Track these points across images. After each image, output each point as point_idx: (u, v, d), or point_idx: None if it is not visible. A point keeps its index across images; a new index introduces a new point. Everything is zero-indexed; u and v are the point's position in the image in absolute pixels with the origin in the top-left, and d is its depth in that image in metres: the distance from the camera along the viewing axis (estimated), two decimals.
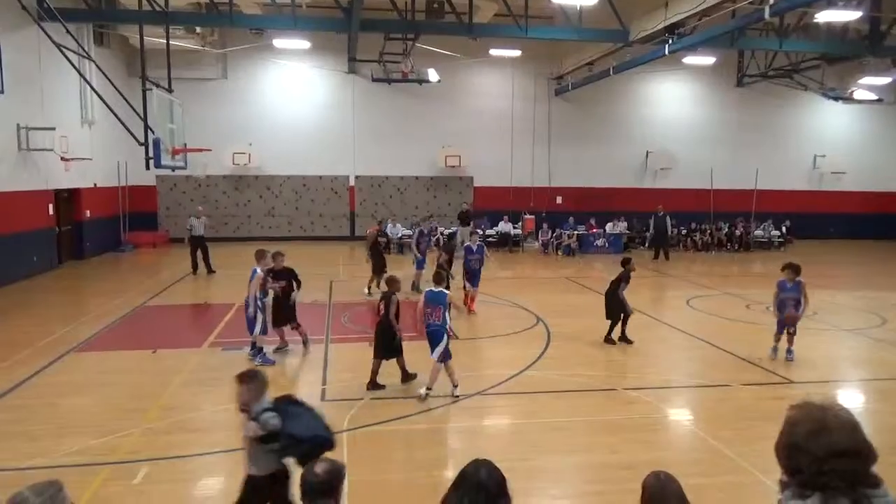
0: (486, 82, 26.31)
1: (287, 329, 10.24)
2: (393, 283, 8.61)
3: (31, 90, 17.05)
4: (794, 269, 9.88)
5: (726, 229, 25.67)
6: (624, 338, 11.02)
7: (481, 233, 24.14)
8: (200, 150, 17.68)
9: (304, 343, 10.29)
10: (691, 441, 7.19)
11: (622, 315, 10.91)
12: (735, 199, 27.14)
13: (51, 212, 18.31)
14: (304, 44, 22.34)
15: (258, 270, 9.54)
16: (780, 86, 26.33)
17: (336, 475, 2.93)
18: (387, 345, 8.42)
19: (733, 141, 27.84)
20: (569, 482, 6.27)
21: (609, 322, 10.98)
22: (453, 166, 25.74)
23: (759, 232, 26.08)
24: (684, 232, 25.55)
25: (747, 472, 6.23)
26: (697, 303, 14.77)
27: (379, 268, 14.68)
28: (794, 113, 28.27)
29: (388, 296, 8.47)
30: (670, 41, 17.77)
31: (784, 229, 26.31)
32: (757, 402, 8.22)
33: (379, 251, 15.29)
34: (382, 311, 8.46)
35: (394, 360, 8.54)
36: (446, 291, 8.37)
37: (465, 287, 13.55)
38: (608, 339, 10.97)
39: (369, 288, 14.92)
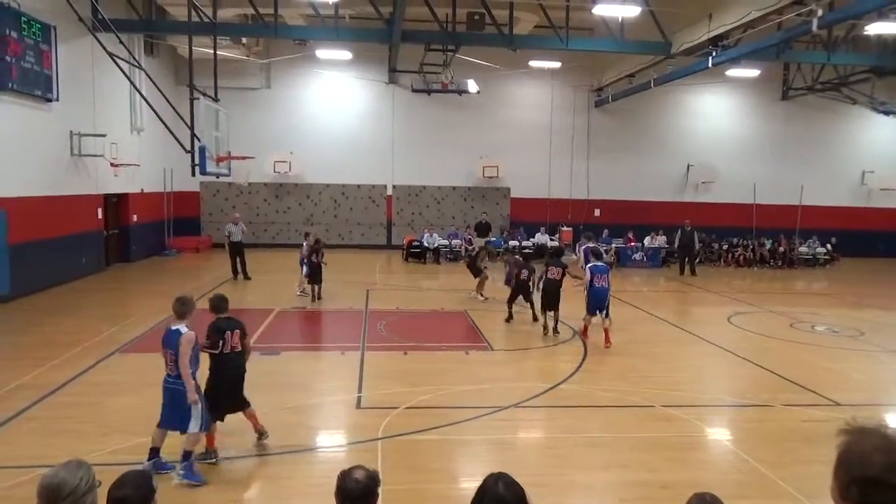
0: (526, 93, 26.29)
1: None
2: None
3: (83, 98, 17.67)
4: None
5: (769, 245, 25.07)
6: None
7: (518, 244, 24.11)
8: (244, 158, 18.04)
9: (261, 435, 6.92)
10: (731, 461, 7.02)
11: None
12: (779, 214, 26.54)
13: (100, 216, 18.90)
14: (346, 54, 22.67)
15: (184, 329, 6.23)
16: (827, 99, 25.68)
17: (375, 481, 2.95)
18: None
19: (778, 155, 27.26)
20: (604, 499, 6.19)
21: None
22: (491, 177, 25.77)
23: (803, 248, 25.41)
24: (725, 247, 25.05)
25: (791, 496, 6.06)
26: (739, 320, 14.46)
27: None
28: (841, 127, 27.55)
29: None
30: (714, 53, 17.54)
31: (830, 246, 25.58)
32: (801, 424, 8.00)
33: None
34: None
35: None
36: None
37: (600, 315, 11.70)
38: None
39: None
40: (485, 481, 2.77)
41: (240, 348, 6.67)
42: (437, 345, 11.63)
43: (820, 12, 13.70)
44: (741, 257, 24.59)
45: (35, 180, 15.38)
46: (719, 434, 7.95)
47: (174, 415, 6.14)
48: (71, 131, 16.97)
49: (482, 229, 23.38)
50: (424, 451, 7.00)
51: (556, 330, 12.25)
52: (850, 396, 9.15)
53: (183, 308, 6.34)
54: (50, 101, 15.72)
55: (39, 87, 15.20)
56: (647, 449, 7.14)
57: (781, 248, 24.89)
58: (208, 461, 6.41)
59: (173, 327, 6.25)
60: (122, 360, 10.17)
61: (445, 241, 24.38)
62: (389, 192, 26.40)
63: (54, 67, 15.73)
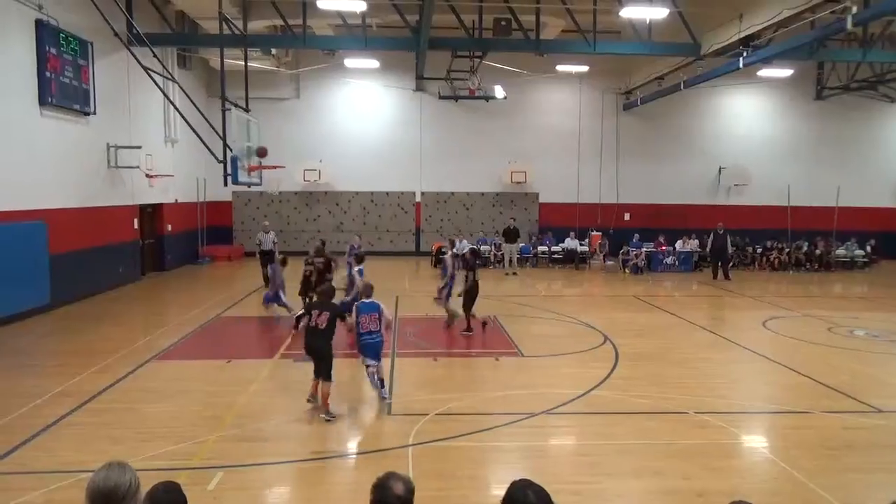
0: (553, 98, 26.21)
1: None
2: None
3: (119, 111, 18.11)
4: None
5: (806, 248, 24.51)
6: None
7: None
8: (275, 168, 18.29)
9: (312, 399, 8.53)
10: (769, 470, 6.87)
11: None
12: (814, 216, 25.99)
13: (136, 226, 19.31)
14: (374, 63, 22.87)
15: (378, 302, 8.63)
16: (863, 98, 25.13)
17: (412, 493, 2.93)
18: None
19: (812, 156, 26.71)
20: None
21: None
22: (519, 182, 25.72)
23: (841, 251, 24.80)
24: (759, 250, 24.58)
25: None
26: (774, 324, 14.17)
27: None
28: (878, 126, 26.91)
29: None
30: (745, 54, 17.27)
31: (869, 248, 24.92)
32: (841, 432, 7.77)
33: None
34: None
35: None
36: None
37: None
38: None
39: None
40: (512, 491, 2.70)
41: (322, 326, 8.14)
42: (467, 351, 11.62)
43: (854, 9, 13.42)
44: (776, 261, 24.10)
45: (73, 192, 15.78)
46: (755, 441, 7.78)
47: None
48: (107, 144, 17.38)
49: (510, 235, 23.32)
50: (455, 457, 6.99)
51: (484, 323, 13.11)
52: (893, 403, 8.88)
53: (372, 290, 8.78)
54: (87, 114, 16.15)
55: (77, 101, 15.63)
56: (682, 456, 7.02)
57: (818, 251, 24.32)
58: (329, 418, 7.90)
59: (368, 301, 8.54)
60: (159, 367, 10.36)
61: (475, 247, 24.31)
62: (418, 198, 26.51)
63: (91, 82, 16.16)
